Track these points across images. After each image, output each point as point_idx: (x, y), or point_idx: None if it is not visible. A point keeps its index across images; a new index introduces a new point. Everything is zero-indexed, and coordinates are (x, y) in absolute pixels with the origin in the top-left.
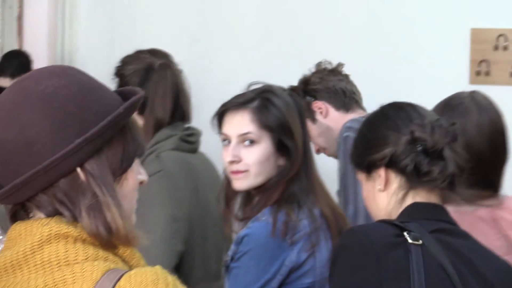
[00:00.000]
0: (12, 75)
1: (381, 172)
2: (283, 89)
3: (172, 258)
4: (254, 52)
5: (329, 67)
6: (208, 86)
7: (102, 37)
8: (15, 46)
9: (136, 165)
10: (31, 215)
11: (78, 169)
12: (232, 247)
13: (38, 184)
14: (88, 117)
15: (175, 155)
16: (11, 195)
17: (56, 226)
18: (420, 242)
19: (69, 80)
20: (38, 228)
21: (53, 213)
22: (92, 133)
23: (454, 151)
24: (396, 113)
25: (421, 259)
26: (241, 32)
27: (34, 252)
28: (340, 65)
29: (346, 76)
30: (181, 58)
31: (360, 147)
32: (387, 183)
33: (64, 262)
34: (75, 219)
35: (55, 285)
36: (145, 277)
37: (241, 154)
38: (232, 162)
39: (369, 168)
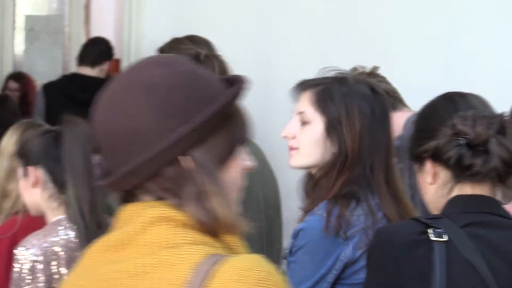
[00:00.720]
0: (93, 64)
1: (428, 165)
2: (359, 81)
3: None
4: (313, 60)
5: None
6: (265, 81)
7: (169, 25)
8: (82, 35)
9: (241, 152)
10: (140, 198)
11: (184, 158)
12: (290, 240)
13: (145, 172)
14: (192, 106)
15: None
16: (119, 183)
17: (160, 209)
18: (445, 238)
19: (174, 71)
20: (145, 210)
21: (160, 199)
22: (197, 122)
23: (501, 144)
24: (444, 104)
25: (445, 257)
26: (302, 39)
27: (140, 233)
28: (375, 68)
29: (384, 78)
30: (244, 45)
31: (411, 139)
32: (434, 176)
33: (165, 244)
34: (179, 205)
35: (156, 265)
36: (243, 263)
37: (296, 131)
38: (285, 137)
39: (418, 161)
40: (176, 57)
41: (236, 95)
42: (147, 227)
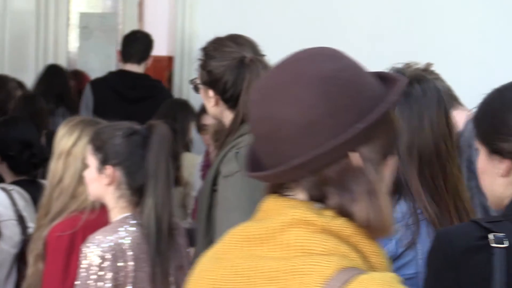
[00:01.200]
0: (139, 61)
1: (507, 162)
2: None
3: None
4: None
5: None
6: None
7: (222, 22)
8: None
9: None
10: (290, 193)
11: (354, 154)
12: None
13: (314, 166)
14: (364, 102)
15: None
16: (283, 175)
17: (303, 211)
18: (506, 245)
19: (344, 64)
20: (288, 209)
21: (316, 196)
22: (372, 118)
23: None
24: None
25: (505, 263)
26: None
27: (279, 232)
28: (429, 64)
29: (438, 75)
30: (296, 44)
31: (485, 125)
32: (509, 171)
33: (302, 249)
34: (339, 206)
35: (290, 271)
36: (375, 284)
37: None
38: None
39: (493, 150)
40: (339, 51)
41: (400, 94)
42: (287, 227)
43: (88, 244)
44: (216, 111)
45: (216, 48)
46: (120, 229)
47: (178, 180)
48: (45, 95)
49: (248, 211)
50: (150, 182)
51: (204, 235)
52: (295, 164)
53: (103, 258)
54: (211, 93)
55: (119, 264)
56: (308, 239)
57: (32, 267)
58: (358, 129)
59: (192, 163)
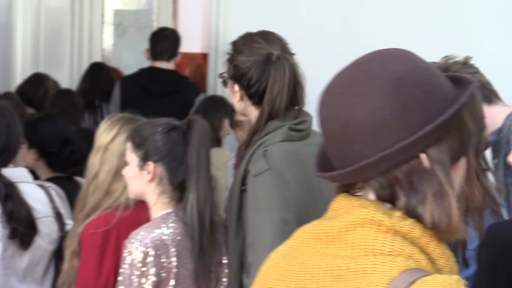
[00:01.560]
0: (169, 58)
1: None
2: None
3: None
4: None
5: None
6: None
7: (255, 19)
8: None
9: (464, 157)
10: (360, 193)
11: (423, 155)
12: None
13: (383, 167)
14: (434, 103)
15: (284, 148)
16: (352, 176)
17: (372, 211)
18: None
19: (414, 65)
20: (357, 209)
21: (385, 197)
22: (441, 120)
23: None
24: None
25: None
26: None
27: (347, 231)
28: (468, 58)
29: (478, 69)
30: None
31: None
32: None
33: (371, 250)
34: (407, 207)
35: (356, 271)
36: (438, 286)
37: None
38: None
39: None
40: (410, 52)
41: (471, 96)
42: (354, 226)
43: (131, 240)
44: (241, 107)
45: (245, 43)
46: (163, 225)
47: None
48: (91, 92)
49: (279, 210)
50: (192, 177)
51: (234, 236)
52: (364, 165)
53: (146, 254)
54: (236, 87)
55: (162, 260)
56: (375, 239)
57: (68, 263)
58: (427, 131)
59: (221, 159)
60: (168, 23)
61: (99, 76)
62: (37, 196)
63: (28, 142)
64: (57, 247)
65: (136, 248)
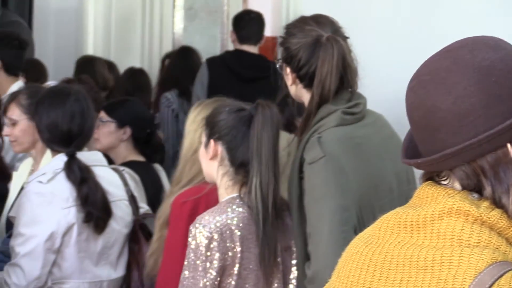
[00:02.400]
0: (256, 42)
1: None
2: None
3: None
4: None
5: None
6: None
7: (326, 2)
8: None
9: None
10: (446, 182)
11: (509, 146)
12: None
13: (467, 156)
14: None
15: (338, 133)
16: (436, 164)
17: (460, 201)
18: None
19: (504, 54)
20: (443, 198)
21: (470, 186)
22: None
23: None
24: None
25: None
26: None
27: (433, 220)
28: None
29: None
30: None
31: None
32: None
33: (457, 240)
34: (492, 197)
35: (442, 262)
36: None
37: None
38: None
39: None
40: (502, 40)
41: None
42: (442, 216)
43: (196, 225)
44: (294, 90)
45: (297, 26)
46: (228, 209)
47: None
48: (182, 76)
49: (336, 197)
50: (254, 161)
51: (298, 225)
52: (448, 153)
53: (211, 239)
54: (288, 70)
55: (226, 245)
56: (462, 229)
57: (158, 233)
58: None
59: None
60: (238, 7)
61: (188, 60)
62: (111, 179)
63: (118, 121)
64: (131, 230)
65: (201, 232)
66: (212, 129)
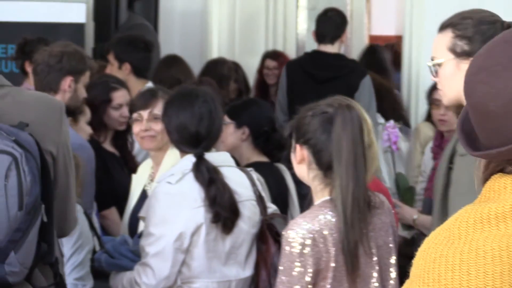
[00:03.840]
0: (332, 40)
1: None
2: None
3: None
4: None
5: None
6: None
7: (450, 1)
8: (363, 12)
9: None
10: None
11: None
12: None
13: None
14: None
15: None
16: (502, 155)
17: None
18: None
19: None
20: None
21: None
22: None
23: None
24: None
25: None
26: None
27: None
28: None
29: None
30: None
31: None
32: None
33: None
34: None
35: None
36: None
37: None
38: None
39: None
40: None
41: None
42: None
43: (289, 231)
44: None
45: (466, 17)
46: (320, 213)
47: None
48: None
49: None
50: (335, 162)
51: (440, 215)
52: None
53: (304, 244)
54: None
55: (320, 249)
56: None
57: None
58: None
59: None
60: (361, 5)
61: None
62: (239, 180)
63: (236, 122)
64: (259, 230)
65: (294, 238)
66: (298, 133)
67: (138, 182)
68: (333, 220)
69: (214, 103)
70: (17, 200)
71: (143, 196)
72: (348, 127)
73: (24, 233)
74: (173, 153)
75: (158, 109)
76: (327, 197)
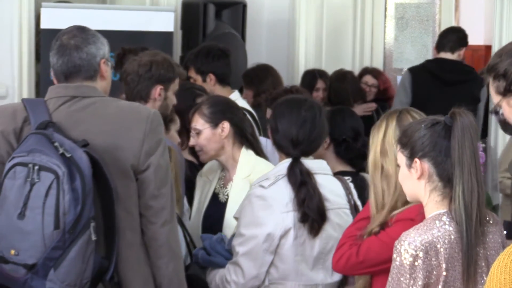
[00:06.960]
0: (452, 49)
1: None
2: None
3: None
4: None
5: None
6: None
7: None
8: (452, 22)
9: None
10: None
11: None
12: None
13: None
14: None
15: None
16: None
17: None
18: None
19: None
20: None
21: None
22: None
23: None
24: None
25: None
26: None
27: None
28: None
29: None
30: None
31: None
32: None
33: None
34: None
35: None
36: None
37: None
38: None
39: None
40: None
41: None
42: None
43: (401, 242)
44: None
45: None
46: (434, 226)
47: None
48: None
49: None
50: (456, 170)
51: None
52: None
53: (416, 257)
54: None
55: (432, 263)
56: None
57: None
58: None
59: None
60: (450, 16)
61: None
62: (333, 188)
63: None
64: None
65: (406, 250)
66: (413, 148)
67: (205, 185)
68: (448, 233)
69: (320, 110)
70: (53, 219)
71: (214, 199)
72: (468, 133)
73: (64, 251)
74: (246, 156)
75: (196, 123)
76: (443, 210)
